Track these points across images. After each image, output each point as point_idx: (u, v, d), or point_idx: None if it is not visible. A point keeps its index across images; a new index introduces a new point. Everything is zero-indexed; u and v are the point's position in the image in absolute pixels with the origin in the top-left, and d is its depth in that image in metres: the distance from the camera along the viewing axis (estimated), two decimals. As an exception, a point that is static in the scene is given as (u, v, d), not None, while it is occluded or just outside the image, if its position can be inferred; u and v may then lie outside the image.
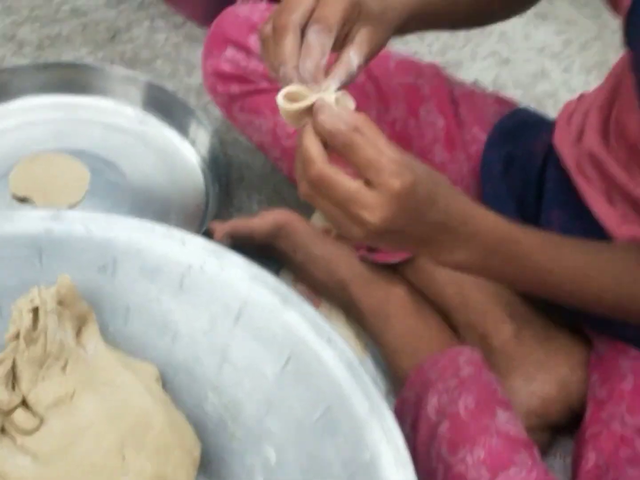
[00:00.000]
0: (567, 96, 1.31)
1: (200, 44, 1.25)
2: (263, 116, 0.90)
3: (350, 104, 0.57)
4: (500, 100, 0.94)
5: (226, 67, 0.91)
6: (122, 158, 1.04)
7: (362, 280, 0.88)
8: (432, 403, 0.71)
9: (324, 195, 0.55)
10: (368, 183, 0.54)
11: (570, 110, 0.84)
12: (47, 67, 1.09)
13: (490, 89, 1.26)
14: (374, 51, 0.63)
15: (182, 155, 1.06)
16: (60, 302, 0.68)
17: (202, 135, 1.05)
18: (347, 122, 0.54)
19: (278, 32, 0.57)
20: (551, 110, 1.15)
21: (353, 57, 0.59)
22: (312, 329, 0.68)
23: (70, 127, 1.07)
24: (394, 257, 0.86)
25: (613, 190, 0.73)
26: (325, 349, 0.66)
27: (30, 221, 0.75)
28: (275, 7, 0.61)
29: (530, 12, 1.45)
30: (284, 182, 1.03)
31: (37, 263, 0.72)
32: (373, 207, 0.54)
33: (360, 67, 0.60)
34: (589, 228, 0.74)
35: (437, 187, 0.58)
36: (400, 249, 0.70)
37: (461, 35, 1.36)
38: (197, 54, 1.24)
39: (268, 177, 1.07)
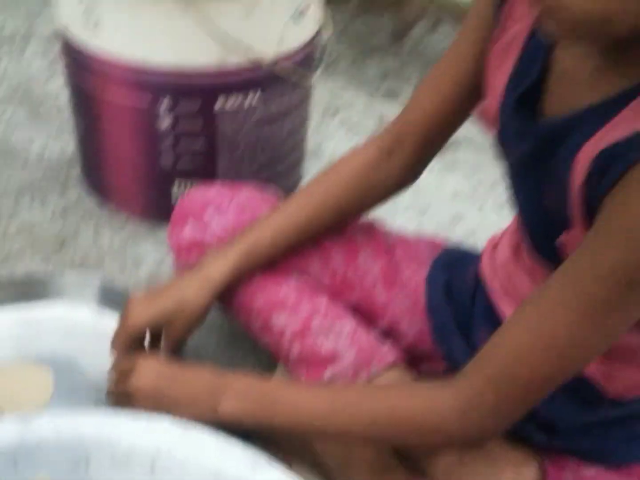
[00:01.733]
0: (485, 233, 1.42)
1: (144, 238, 1.36)
2: None
3: None
4: (432, 242, 1.05)
5: (187, 241, 0.99)
6: (83, 356, 1.09)
7: (322, 440, 0.93)
8: None
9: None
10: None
11: (494, 242, 0.95)
12: (6, 281, 1.16)
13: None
14: (181, 341, 0.92)
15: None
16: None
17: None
18: None
19: None
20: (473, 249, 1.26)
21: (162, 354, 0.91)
22: None
23: (31, 334, 1.12)
24: None
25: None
26: None
27: (2, 432, 0.79)
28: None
29: (438, 165, 1.62)
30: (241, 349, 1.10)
31: (12, 470, 0.75)
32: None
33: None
34: None
35: (171, 387, 0.83)
36: (176, 414, 0.80)
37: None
38: (141, 247, 1.34)
39: (221, 348, 1.14)
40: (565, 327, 0.65)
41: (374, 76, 1.84)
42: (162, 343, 0.93)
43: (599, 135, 0.66)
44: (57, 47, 1.90)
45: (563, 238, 0.70)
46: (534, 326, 0.67)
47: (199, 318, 0.91)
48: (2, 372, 1.06)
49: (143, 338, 0.92)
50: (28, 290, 1.16)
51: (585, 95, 0.68)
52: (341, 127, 1.72)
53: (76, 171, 1.49)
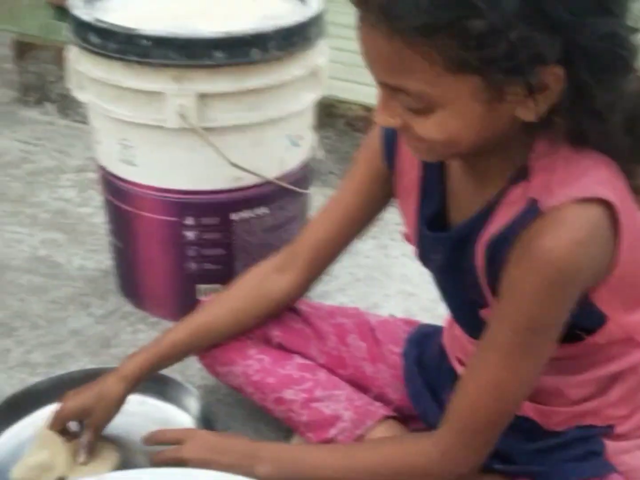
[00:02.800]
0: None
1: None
2: (235, 363, 1.20)
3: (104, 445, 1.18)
4: (407, 321, 1.28)
5: None
6: (132, 434, 1.29)
7: None
8: None
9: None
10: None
11: (451, 319, 1.17)
12: (60, 379, 1.37)
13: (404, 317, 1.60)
14: (96, 427, 1.13)
15: (179, 422, 1.32)
16: None
17: (193, 403, 1.33)
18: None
19: None
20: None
21: (83, 440, 1.13)
22: None
23: (87, 420, 1.33)
24: None
25: None
26: None
27: None
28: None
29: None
30: (263, 421, 1.31)
31: None
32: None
33: (90, 442, 1.13)
34: None
35: (209, 460, 1.01)
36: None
37: (374, 283, 1.74)
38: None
39: (247, 421, 1.35)
40: (498, 370, 0.85)
41: (362, 184, 2.11)
42: (85, 429, 1.14)
43: (485, 232, 0.87)
44: (85, 178, 2.20)
45: (483, 314, 0.92)
46: (476, 377, 0.88)
47: (115, 407, 1.13)
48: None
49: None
50: (81, 384, 1.38)
51: (472, 204, 0.90)
52: (336, 229, 1.98)
53: (112, 281, 1.73)
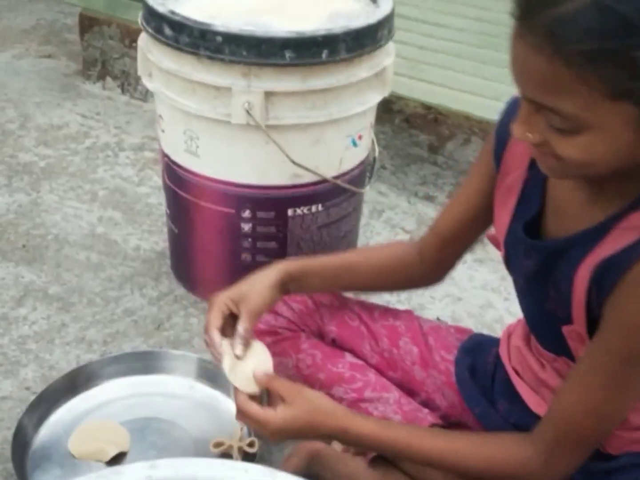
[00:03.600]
0: (510, 319, 1.66)
1: (225, 321, 1.62)
2: (288, 356, 1.21)
3: (258, 344, 1.05)
4: (459, 329, 1.29)
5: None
6: (181, 417, 1.35)
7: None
8: None
9: (246, 418, 0.99)
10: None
11: (510, 329, 1.18)
12: (116, 358, 1.43)
13: (449, 321, 1.62)
14: (255, 313, 1.06)
15: (227, 409, 1.36)
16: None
17: (241, 391, 1.38)
18: (242, 402, 1.00)
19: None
20: (499, 333, 1.48)
21: (239, 328, 1.04)
22: None
23: (138, 400, 1.38)
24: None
25: (535, 380, 1.05)
26: None
27: (133, 473, 1.03)
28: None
29: (470, 258, 1.86)
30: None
31: None
32: (266, 427, 0.97)
33: (247, 330, 1.04)
34: (521, 410, 1.06)
35: (313, 420, 0.98)
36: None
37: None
38: (223, 329, 1.60)
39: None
40: (600, 393, 0.87)
41: (414, 183, 2.12)
42: (241, 318, 1.05)
43: (594, 252, 0.86)
44: (143, 157, 2.25)
45: (565, 331, 0.92)
46: (576, 395, 0.89)
47: (268, 293, 1.09)
48: (90, 426, 1.33)
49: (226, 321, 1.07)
50: (136, 362, 1.44)
51: (579, 220, 0.89)
52: (385, 226, 2.00)
53: (166, 264, 1.78)
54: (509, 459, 0.95)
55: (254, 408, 0.98)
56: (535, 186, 0.97)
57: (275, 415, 0.97)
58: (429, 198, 2.10)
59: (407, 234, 1.96)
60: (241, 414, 1.00)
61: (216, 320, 1.05)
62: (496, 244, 1.07)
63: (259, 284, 1.09)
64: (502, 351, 1.15)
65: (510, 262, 1.04)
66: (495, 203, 1.04)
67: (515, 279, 1.05)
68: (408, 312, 1.31)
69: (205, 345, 1.07)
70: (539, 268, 0.95)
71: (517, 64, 0.77)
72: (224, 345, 1.03)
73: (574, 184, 0.91)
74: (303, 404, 0.98)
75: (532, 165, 0.96)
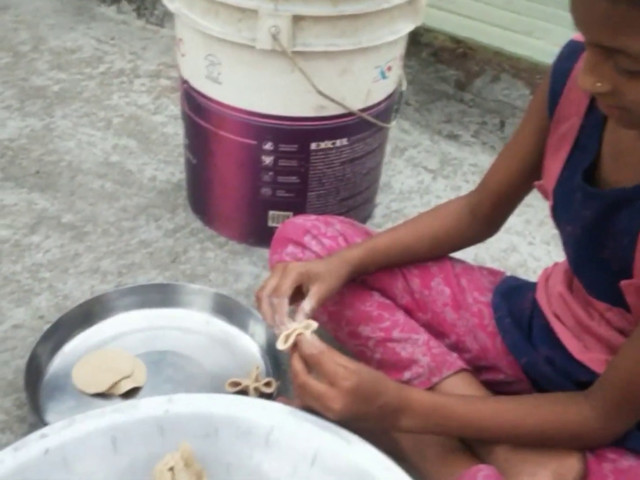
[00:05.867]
0: (534, 264, 1.63)
1: (242, 256, 1.58)
2: None
3: (314, 324, 0.95)
4: (492, 271, 1.25)
5: (288, 259, 1.19)
6: (197, 352, 1.32)
7: None
8: None
9: (306, 394, 0.90)
10: (331, 384, 0.88)
11: (547, 273, 1.14)
12: (133, 289, 1.40)
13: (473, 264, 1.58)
14: (323, 297, 1.03)
15: (244, 345, 1.34)
16: (184, 464, 0.93)
17: (259, 329, 1.34)
18: (316, 348, 0.91)
19: (258, 302, 1.02)
20: (523, 277, 1.44)
21: (305, 306, 1.00)
22: (373, 462, 0.88)
23: (154, 333, 1.35)
24: None
25: (578, 327, 1.02)
26: (385, 475, 0.87)
27: (151, 406, 0.99)
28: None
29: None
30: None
31: (159, 438, 0.93)
32: (334, 399, 0.88)
33: (312, 309, 1.01)
34: (562, 356, 1.02)
35: (378, 381, 0.91)
36: (365, 424, 0.94)
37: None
38: (240, 264, 1.56)
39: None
40: None
41: (438, 120, 2.05)
42: (310, 294, 1.03)
43: None
44: (159, 84, 2.18)
45: (623, 285, 0.88)
46: (636, 358, 0.86)
47: (337, 284, 1.07)
48: (104, 356, 1.29)
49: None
50: (152, 295, 1.40)
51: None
52: (407, 164, 1.94)
53: (182, 195, 1.73)
54: (566, 420, 0.92)
55: (314, 382, 0.90)
56: (591, 134, 0.92)
57: (336, 387, 0.89)
58: (453, 137, 2.03)
59: (429, 173, 1.90)
60: (301, 389, 0.91)
61: (289, 289, 1.02)
62: (545, 193, 1.02)
63: (334, 272, 1.07)
64: (540, 296, 1.11)
65: (558, 212, 0.99)
66: (546, 152, 1.00)
67: (562, 228, 1.00)
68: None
69: (255, 302, 1.04)
70: (597, 217, 0.91)
71: (580, 8, 0.72)
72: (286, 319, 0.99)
73: (637, 133, 0.86)
74: (363, 371, 0.91)
75: (589, 112, 0.91)
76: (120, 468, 0.92)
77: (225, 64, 1.40)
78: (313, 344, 0.92)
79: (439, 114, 2.04)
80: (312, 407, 0.91)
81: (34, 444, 0.90)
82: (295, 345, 0.93)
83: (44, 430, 0.90)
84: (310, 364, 0.91)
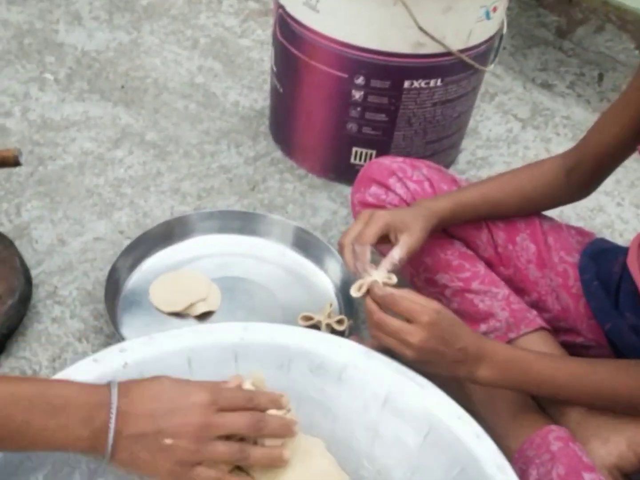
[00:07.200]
0: (621, 226, 1.57)
1: (320, 190, 1.56)
2: None
3: (394, 278, 0.92)
4: (581, 231, 1.20)
5: (370, 199, 1.17)
6: (271, 283, 1.32)
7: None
8: (533, 475, 0.89)
9: (383, 331, 0.88)
10: (408, 320, 0.86)
11: (639, 240, 1.10)
12: (211, 214, 1.39)
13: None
14: (412, 248, 0.99)
15: (319, 281, 1.34)
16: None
17: (334, 265, 1.33)
18: (390, 291, 0.89)
19: (341, 248, 0.98)
20: (609, 238, 1.39)
21: (395, 254, 0.96)
22: (445, 408, 0.86)
23: (230, 259, 1.35)
24: None
25: None
26: (457, 423, 0.85)
27: (227, 332, 0.99)
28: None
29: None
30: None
31: (233, 363, 0.93)
32: (413, 333, 0.85)
33: (402, 260, 0.97)
34: None
35: (457, 323, 0.88)
36: (440, 369, 0.91)
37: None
38: (318, 199, 1.54)
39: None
40: None
41: (533, 67, 1.96)
42: (400, 244, 0.99)
43: None
44: (247, 7, 2.13)
45: None
46: None
47: (423, 238, 1.02)
48: (182, 277, 1.30)
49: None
50: (231, 221, 1.40)
51: None
52: (497, 110, 1.87)
53: (264, 123, 1.71)
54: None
55: (391, 318, 0.88)
56: None
57: (414, 322, 0.86)
58: (547, 86, 1.94)
59: (518, 122, 1.83)
60: (376, 327, 0.89)
61: (373, 237, 0.98)
62: None
63: (422, 223, 1.03)
64: (631, 262, 1.06)
65: None
66: None
67: None
68: None
69: (338, 248, 1.01)
70: None
71: None
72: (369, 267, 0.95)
73: None
74: (442, 310, 0.88)
75: None
76: (193, 389, 0.94)
77: (326, -8, 1.35)
78: (386, 289, 0.90)
79: (535, 61, 1.96)
80: (388, 344, 0.88)
81: (114, 357, 0.91)
82: (369, 292, 0.91)
83: (124, 344, 0.91)
84: (386, 304, 0.89)
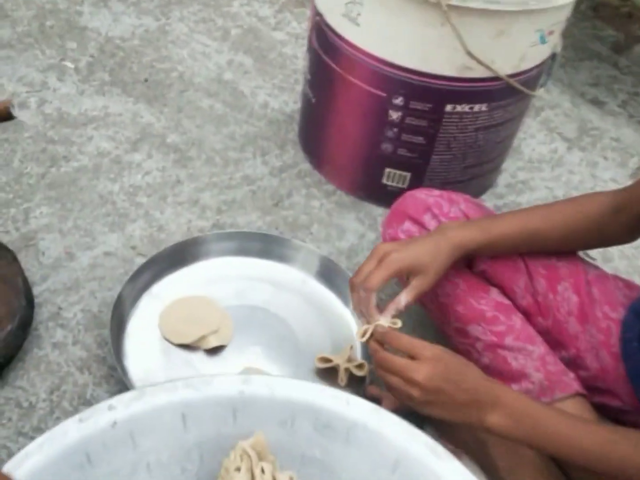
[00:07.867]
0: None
1: (349, 210, 1.47)
2: None
3: (399, 323, 0.92)
4: (629, 284, 1.09)
5: (402, 237, 1.09)
6: (289, 315, 1.23)
7: (499, 441, 1.03)
8: None
9: (386, 369, 0.85)
10: (411, 358, 0.84)
11: None
12: (230, 235, 1.30)
13: (598, 260, 1.43)
14: (422, 292, 0.95)
15: (340, 314, 1.25)
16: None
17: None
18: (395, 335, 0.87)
19: (350, 289, 0.96)
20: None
21: (402, 300, 0.94)
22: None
23: (247, 285, 1.26)
24: None
25: None
26: None
27: (225, 385, 0.91)
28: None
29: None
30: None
31: (231, 419, 0.86)
32: (417, 369, 0.82)
33: (408, 305, 0.94)
34: None
35: (463, 363, 0.84)
36: (449, 413, 0.84)
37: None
38: (346, 219, 1.45)
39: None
40: None
41: (583, 82, 1.84)
42: (409, 288, 0.95)
43: None
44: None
45: None
46: None
47: (443, 272, 0.97)
48: (193, 304, 1.22)
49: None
50: (249, 243, 1.31)
51: None
52: (542, 128, 1.75)
53: (294, 129, 1.61)
54: None
55: (394, 356, 0.86)
56: None
57: (417, 359, 0.84)
58: (597, 103, 1.82)
59: (564, 142, 1.71)
60: (380, 366, 0.87)
61: (380, 284, 0.93)
62: None
63: (441, 263, 0.97)
64: None
65: None
66: None
67: None
68: (572, 253, 1.11)
69: (349, 285, 0.96)
70: None
71: None
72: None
73: None
74: (446, 350, 0.85)
75: None
76: (187, 447, 0.86)
77: (368, 5, 1.24)
78: (378, 350, 0.89)
79: (586, 75, 1.83)
80: (393, 384, 0.85)
81: (101, 416, 0.84)
82: (373, 336, 0.91)
83: (112, 401, 0.83)
84: (387, 341, 0.88)
